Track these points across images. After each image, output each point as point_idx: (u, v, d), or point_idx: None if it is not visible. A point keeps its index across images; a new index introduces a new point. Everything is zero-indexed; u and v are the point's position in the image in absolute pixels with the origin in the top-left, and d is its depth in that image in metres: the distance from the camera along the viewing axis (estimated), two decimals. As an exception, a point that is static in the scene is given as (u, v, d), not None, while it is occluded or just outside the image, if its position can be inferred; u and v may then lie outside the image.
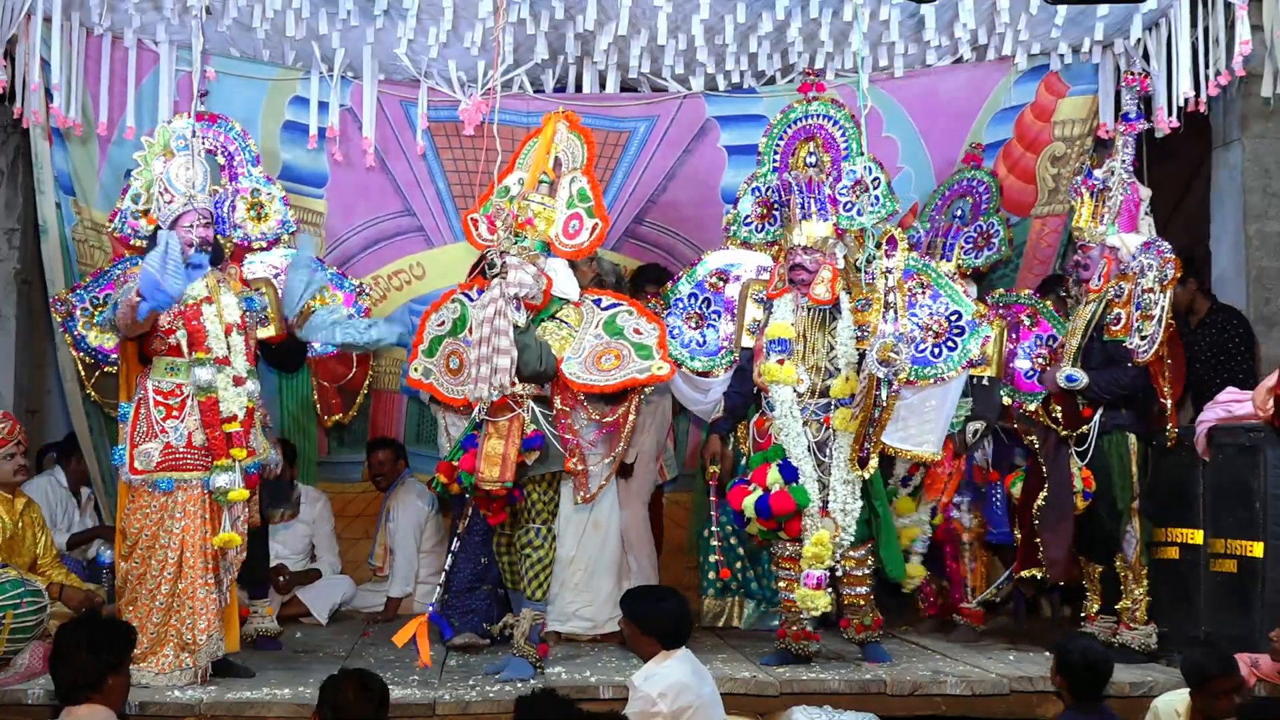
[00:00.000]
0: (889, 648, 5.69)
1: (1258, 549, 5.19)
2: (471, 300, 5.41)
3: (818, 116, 5.61)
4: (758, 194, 5.75)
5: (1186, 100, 6.17)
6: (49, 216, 6.49)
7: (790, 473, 5.24)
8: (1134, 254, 5.55)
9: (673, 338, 5.64)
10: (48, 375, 7.22)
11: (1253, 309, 6.31)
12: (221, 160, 5.77)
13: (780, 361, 5.35)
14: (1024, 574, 5.81)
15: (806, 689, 5.02)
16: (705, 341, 5.69)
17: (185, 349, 5.05)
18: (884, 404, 5.10)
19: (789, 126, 5.69)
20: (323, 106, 6.73)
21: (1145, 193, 5.73)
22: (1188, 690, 4.44)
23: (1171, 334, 5.45)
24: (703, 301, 5.72)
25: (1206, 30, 6.09)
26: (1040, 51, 6.69)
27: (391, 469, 7.05)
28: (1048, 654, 5.44)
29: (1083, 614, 5.78)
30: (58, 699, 4.15)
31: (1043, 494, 5.66)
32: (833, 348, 5.37)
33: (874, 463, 5.28)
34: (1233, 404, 5.42)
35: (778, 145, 5.70)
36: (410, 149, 6.94)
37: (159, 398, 5.03)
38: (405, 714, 4.71)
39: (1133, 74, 5.95)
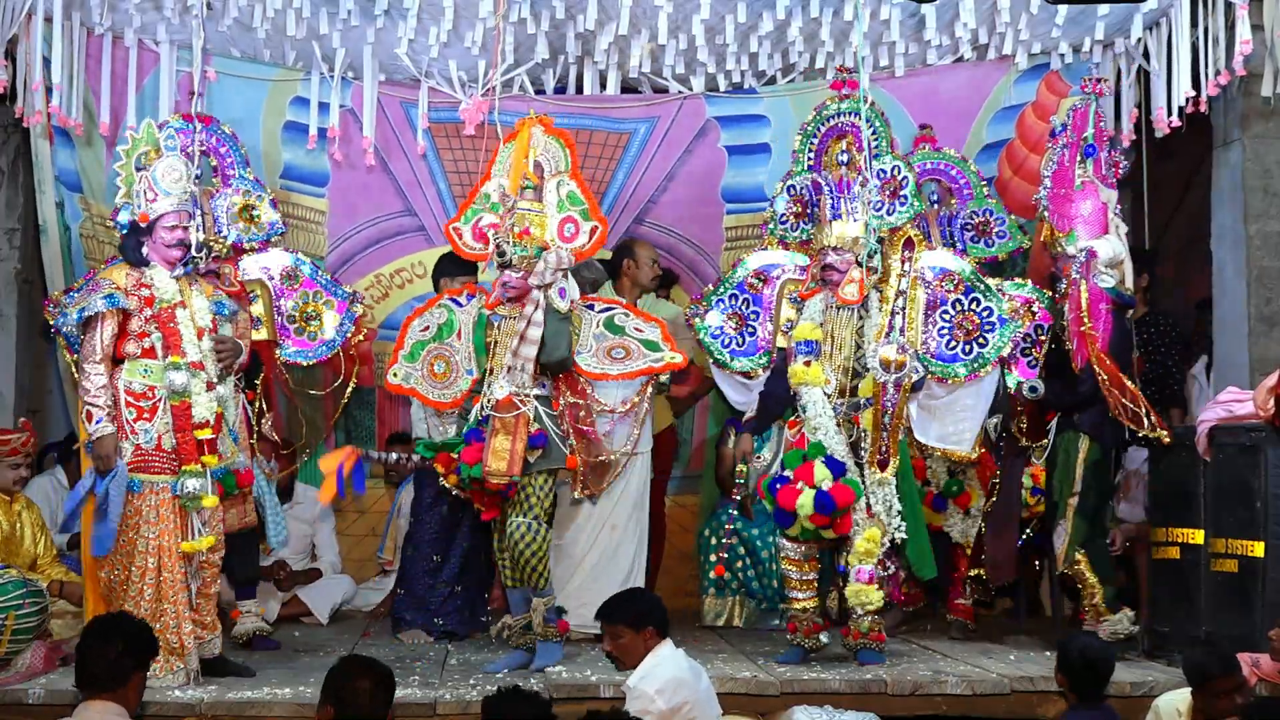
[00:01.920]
0: (890, 647, 5.70)
1: (1258, 549, 5.18)
2: (460, 305, 5.52)
3: (850, 114, 5.58)
4: (793, 192, 5.75)
5: (1187, 100, 6.17)
6: (49, 216, 6.49)
7: (837, 467, 5.17)
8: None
9: (714, 338, 5.74)
10: (48, 375, 7.22)
11: (1253, 309, 6.31)
12: (214, 162, 5.77)
13: (807, 363, 5.32)
14: (971, 573, 6.03)
15: (807, 689, 5.02)
16: (746, 342, 5.74)
17: (159, 352, 5.04)
18: (889, 408, 5.13)
19: (822, 124, 5.68)
20: (323, 107, 6.74)
21: (1107, 194, 5.76)
22: (1189, 689, 4.44)
23: (1092, 337, 5.48)
24: (743, 302, 5.77)
25: (1207, 30, 6.09)
26: (1041, 51, 6.69)
27: (406, 465, 7.07)
28: (1048, 653, 5.47)
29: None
30: (77, 686, 4.16)
31: (991, 498, 5.78)
32: (860, 347, 5.35)
33: (894, 464, 5.28)
34: (1233, 404, 5.42)
35: (811, 143, 5.69)
36: (411, 149, 6.95)
37: (130, 399, 5.00)
38: (406, 714, 4.70)
39: (1087, 80, 5.91)
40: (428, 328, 5.56)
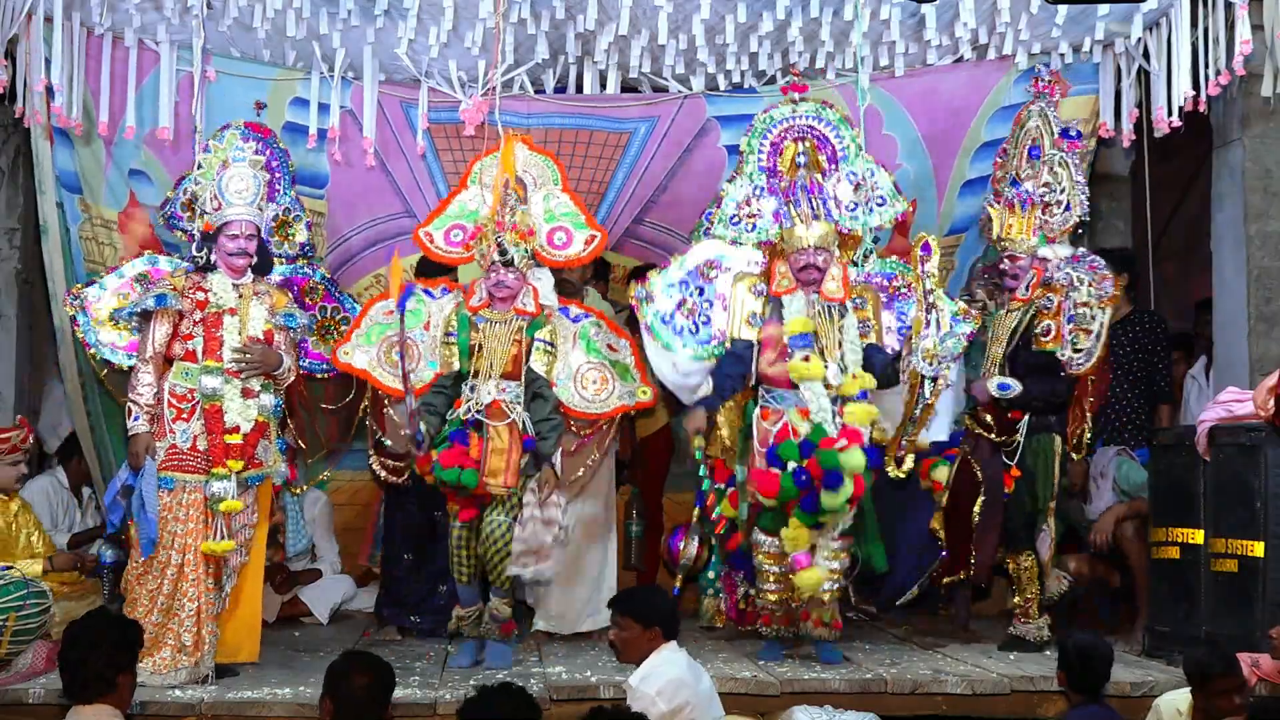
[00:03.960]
0: (889, 647, 5.76)
1: (1258, 549, 5.19)
2: (433, 298, 5.64)
3: (807, 118, 5.65)
4: (742, 191, 5.72)
5: (1187, 100, 6.16)
6: (49, 216, 6.48)
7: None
8: (1060, 265, 5.77)
9: (664, 323, 5.70)
10: (48, 375, 7.22)
11: (1253, 309, 6.32)
12: (265, 175, 5.81)
13: (806, 358, 5.36)
14: (948, 579, 6.02)
15: (807, 689, 5.02)
16: (697, 330, 5.71)
17: (199, 356, 5.09)
18: (928, 401, 5.22)
19: (774, 126, 5.69)
20: (323, 108, 6.73)
21: None
22: (1190, 689, 4.44)
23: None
24: (694, 290, 5.73)
25: (1207, 30, 6.08)
26: (1041, 51, 6.68)
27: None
28: (1048, 652, 5.48)
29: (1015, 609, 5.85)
30: (66, 697, 4.15)
31: (980, 501, 5.76)
32: (842, 345, 5.42)
33: (909, 462, 5.41)
34: (1233, 403, 5.43)
35: (763, 145, 5.67)
36: (410, 150, 6.94)
37: (173, 400, 5.10)
38: (406, 714, 4.71)
39: (1040, 80, 6.01)
40: (390, 312, 5.61)
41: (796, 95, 5.71)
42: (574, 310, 5.79)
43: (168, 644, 4.98)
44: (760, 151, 5.68)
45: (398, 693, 4.71)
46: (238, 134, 5.43)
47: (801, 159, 5.60)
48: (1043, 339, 5.72)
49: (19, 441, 5.68)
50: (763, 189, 5.66)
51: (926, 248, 5.29)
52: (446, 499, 5.50)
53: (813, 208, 5.50)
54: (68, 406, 6.76)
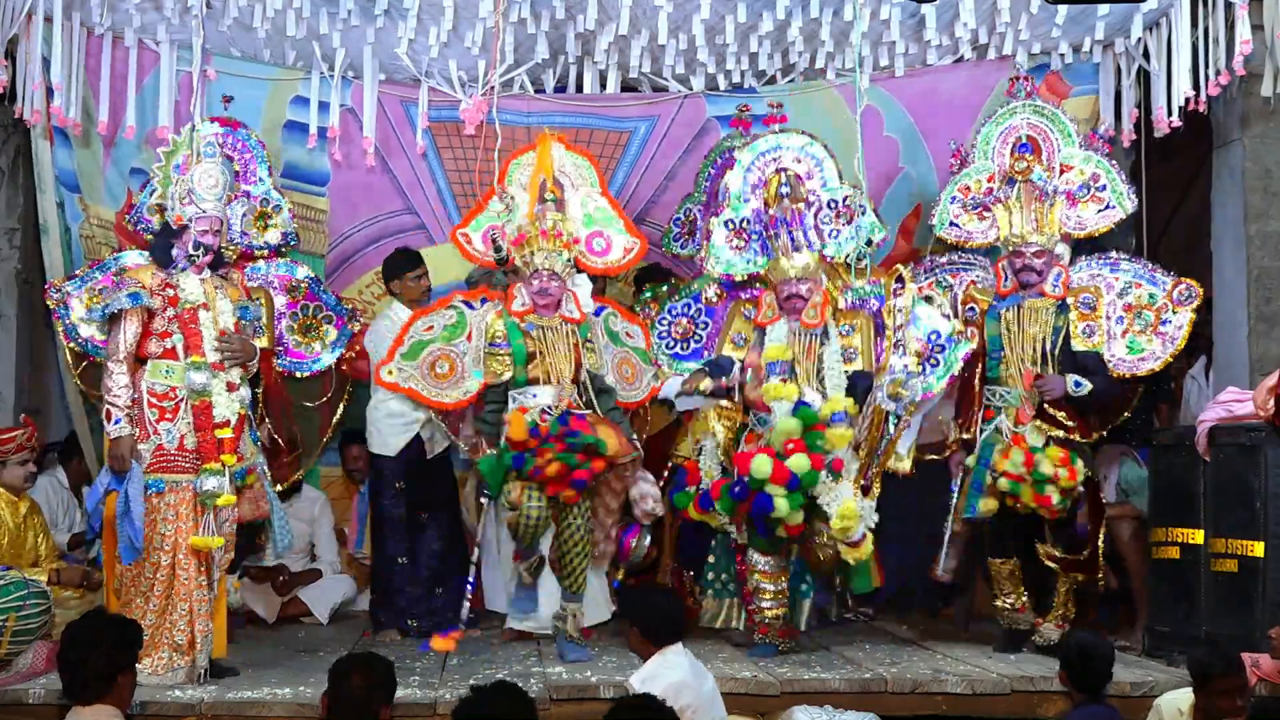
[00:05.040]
0: (889, 647, 5.79)
1: (1258, 548, 5.19)
2: (473, 309, 5.67)
3: (790, 150, 5.75)
4: (729, 223, 5.76)
5: (1187, 100, 6.17)
6: (49, 216, 6.48)
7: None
8: (1087, 263, 5.84)
9: (659, 339, 6.00)
10: (48, 375, 7.21)
11: (1253, 309, 6.32)
12: (237, 167, 5.80)
13: (785, 381, 5.46)
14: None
15: (807, 688, 5.03)
16: (690, 349, 5.96)
17: (181, 353, 5.07)
18: (891, 436, 5.35)
19: (758, 157, 5.78)
20: (323, 107, 6.74)
21: None
22: (1190, 689, 4.45)
23: None
24: (696, 311, 5.97)
25: (1207, 30, 6.10)
26: (1041, 51, 6.69)
27: (368, 462, 7.07)
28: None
29: (1012, 608, 5.83)
30: (66, 697, 4.15)
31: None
32: (821, 370, 5.53)
33: (876, 489, 5.49)
34: (1233, 403, 5.44)
35: (747, 177, 5.77)
36: (411, 149, 6.95)
37: (153, 400, 5.07)
38: (406, 714, 4.71)
39: (1016, 78, 6.09)
40: (431, 327, 5.69)
41: (778, 126, 5.84)
42: (593, 305, 5.88)
43: (164, 644, 4.98)
44: (745, 184, 5.78)
45: (398, 693, 4.73)
46: (188, 131, 5.37)
47: (784, 189, 5.68)
48: (1088, 338, 5.73)
49: (25, 440, 5.67)
50: (749, 220, 5.75)
51: (901, 281, 5.38)
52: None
53: (793, 239, 5.58)
54: (68, 407, 6.77)
